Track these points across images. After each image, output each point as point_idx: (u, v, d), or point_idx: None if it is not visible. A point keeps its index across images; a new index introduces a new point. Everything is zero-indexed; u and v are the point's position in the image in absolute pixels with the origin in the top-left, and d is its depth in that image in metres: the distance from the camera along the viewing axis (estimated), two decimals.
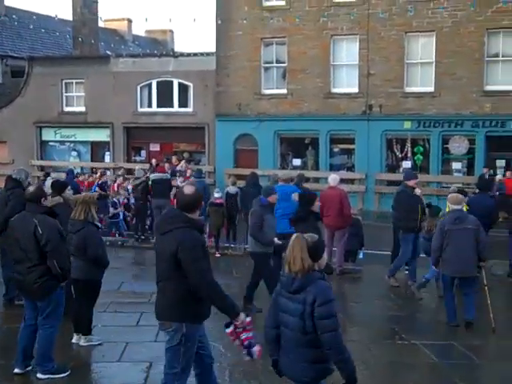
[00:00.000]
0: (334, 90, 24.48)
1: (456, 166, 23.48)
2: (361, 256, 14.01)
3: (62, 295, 7.11)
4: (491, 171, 20.85)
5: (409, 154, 23.87)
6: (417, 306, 10.63)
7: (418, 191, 11.64)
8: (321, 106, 24.42)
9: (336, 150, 25.14)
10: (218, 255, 14.91)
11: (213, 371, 5.74)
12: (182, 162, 23.14)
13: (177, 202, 5.55)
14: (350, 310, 10.48)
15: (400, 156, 24.07)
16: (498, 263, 12.67)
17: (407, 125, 23.59)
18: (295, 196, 11.01)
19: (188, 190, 5.50)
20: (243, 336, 5.36)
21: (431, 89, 23.23)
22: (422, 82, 23.52)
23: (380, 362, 7.66)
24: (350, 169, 24.78)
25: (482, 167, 21.78)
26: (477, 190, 13.63)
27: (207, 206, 15.13)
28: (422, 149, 23.79)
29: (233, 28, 25.40)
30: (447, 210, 9.95)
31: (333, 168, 24.22)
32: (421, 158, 23.77)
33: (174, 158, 24.05)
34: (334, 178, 13.11)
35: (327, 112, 24.21)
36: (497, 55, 22.74)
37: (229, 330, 5.35)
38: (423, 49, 23.52)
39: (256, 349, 5.41)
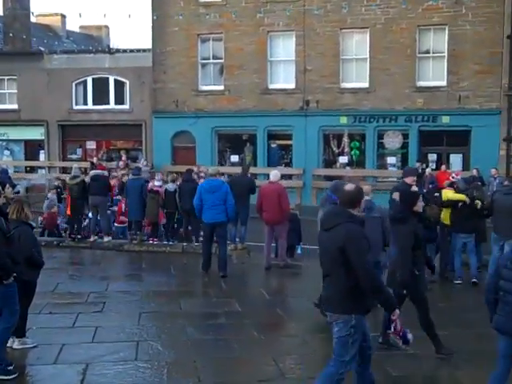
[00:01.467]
0: (271, 86, 24.62)
1: (391, 160, 23.97)
2: (299, 251, 14.17)
3: (7, 294, 6.96)
4: (424, 165, 21.35)
5: (346, 149, 24.22)
6: None
7: (414, 188, 11.89)
8: (258, 102, 24.52)
9: (274, 145, 25.28)
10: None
11: (371, 363, 5.97)
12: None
13: (339, 199, 5.92)
14: (288, 304, 10.61)
15: (337, 151, 24.39)
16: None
17: (343, 120, 23.93)
18: (395, 195, 10.60)
19: (349, 187, 5.87)
20: (398, 326, 5.89)
21: (366, 84, 23.62)
22: (357, 77, 23.89)
23: (317, 355, 7.75)
24: (288, 164, 24.96)
25: (415, 161, 22.27)
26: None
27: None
28: (358, 144, 24.18)
29: (169, 24, 25.23)
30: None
31: (270, 164, 24.36)
32: (357, 152, 24.16)
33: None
34: (275, 173, 13.34)
35: (264, 108, 24.33)
36: (428, 52, 23.31)
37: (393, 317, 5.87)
38: (357, 45, 23.91)
39: (411, 336, 6.06)
